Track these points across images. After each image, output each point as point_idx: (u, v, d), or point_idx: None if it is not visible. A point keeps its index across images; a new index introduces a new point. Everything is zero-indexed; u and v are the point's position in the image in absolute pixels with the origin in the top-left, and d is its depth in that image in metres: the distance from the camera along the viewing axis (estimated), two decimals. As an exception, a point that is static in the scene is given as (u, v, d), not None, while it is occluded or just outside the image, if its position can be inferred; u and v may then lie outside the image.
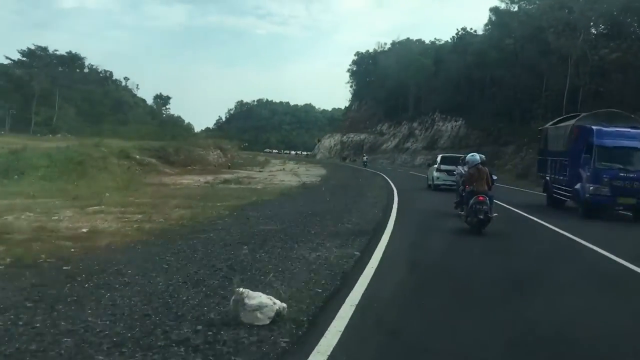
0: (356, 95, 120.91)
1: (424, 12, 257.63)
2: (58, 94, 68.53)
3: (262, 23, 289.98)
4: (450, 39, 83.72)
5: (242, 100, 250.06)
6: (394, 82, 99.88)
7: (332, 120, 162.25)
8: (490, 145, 63.87)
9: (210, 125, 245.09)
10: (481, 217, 11.66)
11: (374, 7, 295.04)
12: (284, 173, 39.58)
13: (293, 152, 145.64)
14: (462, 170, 14.69)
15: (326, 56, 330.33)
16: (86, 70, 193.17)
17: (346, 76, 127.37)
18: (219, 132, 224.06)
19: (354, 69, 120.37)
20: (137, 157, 33.03)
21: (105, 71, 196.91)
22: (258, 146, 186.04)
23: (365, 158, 72.78)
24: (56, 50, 71.38)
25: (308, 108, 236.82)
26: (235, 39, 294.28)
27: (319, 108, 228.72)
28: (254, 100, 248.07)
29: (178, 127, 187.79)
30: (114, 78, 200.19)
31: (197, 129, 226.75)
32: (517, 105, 60.50)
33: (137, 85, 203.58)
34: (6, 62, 70.30)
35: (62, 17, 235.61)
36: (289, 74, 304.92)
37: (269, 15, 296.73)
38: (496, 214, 12.40)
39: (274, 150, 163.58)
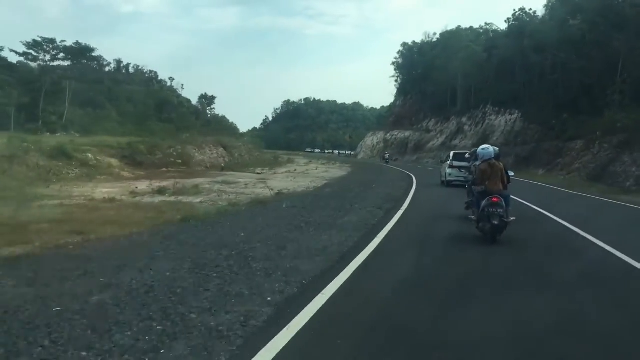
0: (401, 90, 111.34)
1: (477, 5, 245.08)
2: (68, 90, 62.14)
3: (312, 23, 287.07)
4: (505, 20, 73.01)
5: (289, 100, 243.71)
6: (441, 74, 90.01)
7: (380, 119, 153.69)
8: (552, 140, 53.84)
9: (258, 125, 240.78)
10: (495, 222, 9.63)
11: (425, 5, 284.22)
12: (289, 176, 31.68)
13: (336, 152, 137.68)
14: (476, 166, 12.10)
15: (376, 55, 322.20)
16: (132, 71, 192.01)
17: (392, 70, 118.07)
18: (263, 132, 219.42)
19: (400, 61, 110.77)
20: (90, 156, 25.47)
21: (150, 71, 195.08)
22: (304, 146, 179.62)
23: (387, 155, 66.79)
24: (64, 41, 64.22)
25: (356, 107, 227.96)
26: (285, 39, 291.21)
27: (367, 106, 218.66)
28: (300, 99, 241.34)
29: (222, 127, 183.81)
30: (159, 79, 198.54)
31: (244, 129, 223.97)
32: (586, 93, 50.07)
33: (182, 85, 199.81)
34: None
35: (119, 22, 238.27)
36: (337, 73, 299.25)
37: (320, 16, 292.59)
38: (514, 218, 10.14)
39: (316, 150, 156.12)
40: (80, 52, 65.60)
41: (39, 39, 60.95)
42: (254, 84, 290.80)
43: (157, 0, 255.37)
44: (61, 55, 62.54)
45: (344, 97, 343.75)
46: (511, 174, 11.37)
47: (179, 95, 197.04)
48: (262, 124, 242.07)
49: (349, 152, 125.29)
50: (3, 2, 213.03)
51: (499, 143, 64.91)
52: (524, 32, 67.53)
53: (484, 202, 10.01)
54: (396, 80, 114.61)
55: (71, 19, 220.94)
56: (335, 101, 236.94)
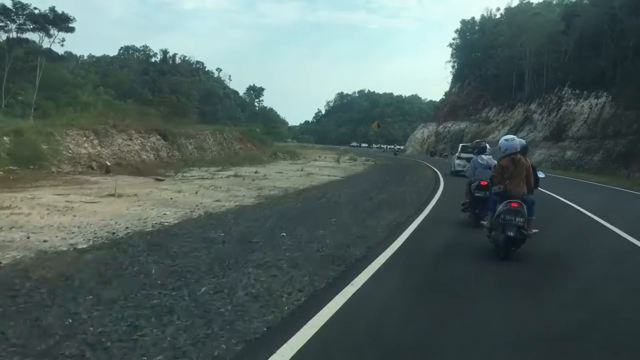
0: (458, 76, 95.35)
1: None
2: (39, 68, 50.54)
3: (373, 17, 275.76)
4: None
5: (342, 92, 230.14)
6: (505, 54, 74.08)
7: (436, 111, 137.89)
8: (659, 131, 38.12)
9: (310, 118, 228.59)
10: (511, 233, 7.35)
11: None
12: (231, 184, 18.17)
13: (385, 146, 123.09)
14: (480, 161, 10.77)
15: (436, 48, 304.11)
16: (178, 61, 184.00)
17: (448, 53, 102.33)
18: (314, 126, 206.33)
19: (458, 42, 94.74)
20: None
21: (197, 62, 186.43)
22: (356, 140, 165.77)
23: (396, 147, 64.81)
24: (36, 8, 52.48)
25: (413, 99, 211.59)
26: (344, 33, 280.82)
27: (425, 99, 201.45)
28: (355, 92, 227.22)
29: (269, 119, 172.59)
30: (206, 69, 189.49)
31: (296, 123, 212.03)
32: None
33: (230, 76, 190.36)
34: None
35: (182, 18, 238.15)
36: (396, 67, 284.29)
37: (381, 9, 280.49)
38: (536, 230, 7.78)
39: (364, 144, 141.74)
40: (54, 22, 53.62)
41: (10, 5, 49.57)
42: (310, 78, 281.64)
43: None
44: (29, 24, 50.35)
45: (401, 90, 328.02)
46: (541, 175, 8.63)
47: (226, 87, 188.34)
48: (314, 117, 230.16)
49: (398, 147, 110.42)
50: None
51: (580, 135, 49.09)
52: (615, -8, 51.25)
53: (500, 207, 7.60)
54: (453, 66, 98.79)
55: (136, 17, 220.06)
56: (391, 93, 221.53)
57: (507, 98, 72.62)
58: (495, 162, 9.06)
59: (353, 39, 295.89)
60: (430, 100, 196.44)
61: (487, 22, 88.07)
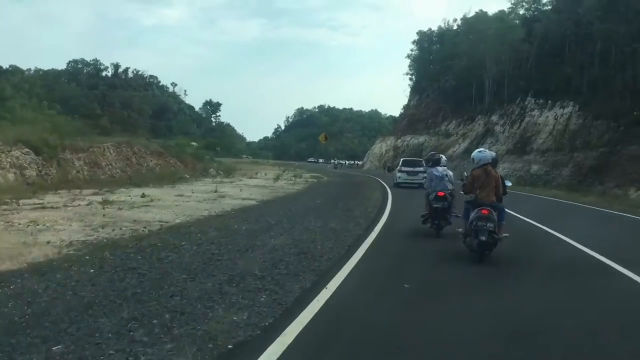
0: (416, 88, 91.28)
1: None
2: None
3: (334, 34, 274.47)
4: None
5: (302, 107, 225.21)
6: (464, 64, 70.11)
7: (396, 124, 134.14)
8: (635, 142, 34.07)
9: (269, 134, 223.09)
10: (483, 238, 8.08)
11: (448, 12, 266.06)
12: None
13: (344, 162, 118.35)
14: (436, 172, 11.14)
15: (397, 65, 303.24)
16: (131, 75, 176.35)
17: (406, 64, 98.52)
18: (274, 141, 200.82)
19: (415, 54, 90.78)
20: None
21: (151, 76, 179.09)
22: (315, 155, 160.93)
23: (336, 161, 63.86)
24: None
25: (373, 114, 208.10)
26: (305, 51, 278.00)
27: (385, 114, 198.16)
28: (314, 107, 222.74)
29: (224, 135, 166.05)
30: (160, 84, 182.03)
31: (256, 139, 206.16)
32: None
33: (185, 91, 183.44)
34: None
35: (143, 35, 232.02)
36: (357, 83, 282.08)
37: (342, 27, 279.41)
38: (507, 234, 8.57)
39: (320, 160, 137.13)
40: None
41: None
42: (271, 94, 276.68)
43: (181, 13, 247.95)
44: None
45: (361, 105, 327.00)
46: (508, 184, 9.33)
47: (181, 102, 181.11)
48: (273, 132, 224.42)
49: (357, 162, 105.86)
50: (29, 18, 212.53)
51: (546, 147, 44.80)
52: (579, -5, 47.72)
53: (472, 214, 8.46)
54: (411, 78, 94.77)
55: (95, 33, 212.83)
56: (351, 109, 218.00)
57: (467, 110, 68.50)
58: (450, 172, 10.99)
59: (314, 56, 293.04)
60: (390, 115, 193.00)
61: (445, 33, 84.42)
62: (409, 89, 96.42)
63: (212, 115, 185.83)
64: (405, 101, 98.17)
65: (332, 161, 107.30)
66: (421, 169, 30.62)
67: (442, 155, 12.14)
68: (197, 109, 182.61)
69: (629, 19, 39.51)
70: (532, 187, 37.59)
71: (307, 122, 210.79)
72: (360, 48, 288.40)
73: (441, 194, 10.66)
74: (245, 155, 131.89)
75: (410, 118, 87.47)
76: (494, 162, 8.95)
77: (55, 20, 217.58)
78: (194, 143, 47.45)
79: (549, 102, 48.19)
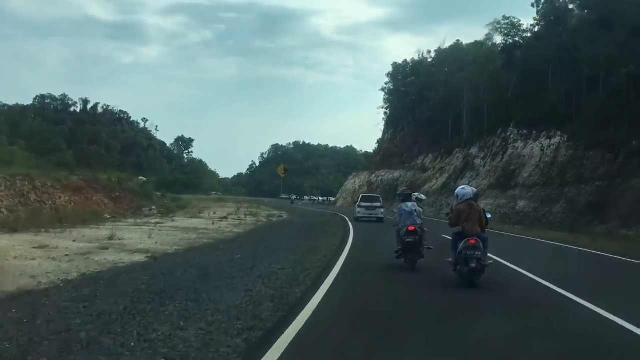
0: (391, 121, 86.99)
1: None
2: None
3: (310, 73, 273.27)
4: (532, 4, 48.84)
5: (277, 144, 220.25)
6: (440, 95, 66.02)
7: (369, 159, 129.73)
8: (635, 174, 29.36)
9: (244, 171, 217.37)
10: (473, 265, 8.93)
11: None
12: None
13: (317, 198, 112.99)
14: (405, 208, 11.22)
15: (372, 102, 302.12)
16: (100, 110, 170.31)
17: (380, 98, 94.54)
18: (248, 178, 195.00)
19: (390, 87, 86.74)
20: None
21: (121, 112, 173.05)
22: (291, 192, 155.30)
23: (293, 197, 63.48)
24: None
25: (349, 150, 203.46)
26: (282, 89, 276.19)
27: (361, 150, 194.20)
28: (289, 143, 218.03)
29: (195, 171, 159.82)
30: (130, 119, 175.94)
31: (230, 175, 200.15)
32: None
33: (157, 126, 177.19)
34: None
35: (119, 72, 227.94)
36: (332, 121, 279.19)
37: (318, 65, 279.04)
38: (491, 262, 9.57)
39: (294, 196, 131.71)
40: None
41: None
42: (246, 131, 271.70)
43: (158, 51, 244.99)
44: None
45: (337, 142, 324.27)
46: (489, 216, 10.06)
47: (152, 137, 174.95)
48: (248, 169, 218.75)
49: (329, 199, 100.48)
50: (4, 54, 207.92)
51: (532, 182, 39.97)
52: (562, 16, 43.88)
53: (461, 245, 9.20)
54: (385, 112, 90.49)
55: (71, 71, 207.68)
56: (326, 145, 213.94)
57: (444, 143, 64.04)
58: (419, 208, 11.43)
59: (290, 93, 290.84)
60: (366, 152, 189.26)
61: (420, 64, 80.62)
62: (383, 123, 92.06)
63: (185, 152, 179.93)
64: (379, 135, 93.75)
65: (291, 197, 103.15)
66: (379, 204, 32.79)
67: (414, 192, 12.64)
68: (168, 144, 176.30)
69: (621, 40, 35.34)
70: (521, 227, 32.48)
71: (282, 159, 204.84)
72: (336, 86, 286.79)
73: (412, 228, 10.84)
74: (214, 192, 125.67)
75: (384, 152, 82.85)
76: (476, 197, 10.02)
77: (30, 59, 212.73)
78: (142, 178, 41.56)
79: (534, 132, 43.67)
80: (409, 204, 11.36)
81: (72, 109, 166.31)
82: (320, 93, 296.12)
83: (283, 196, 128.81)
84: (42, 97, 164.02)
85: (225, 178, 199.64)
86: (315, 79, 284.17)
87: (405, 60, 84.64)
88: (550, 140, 41.18)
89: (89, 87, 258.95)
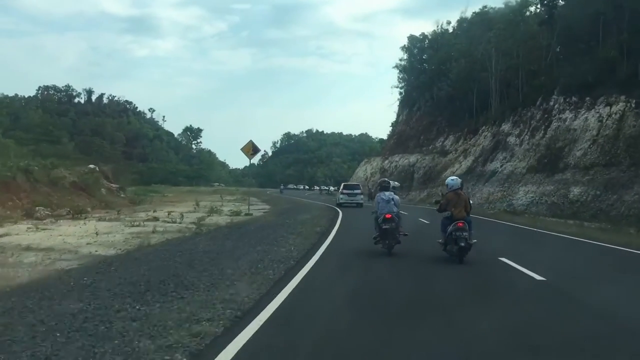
0: (406, 101, 77.18)
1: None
2: None
3: (324, 62, 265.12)
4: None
5: (289, 132, 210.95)
6: (463, 67, 56.30)
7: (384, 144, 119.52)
8: None
9: (256, 161, 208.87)
10: (462, 244, 10.17)
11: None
12: None
13: (332, 188, 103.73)
14: (383, 197, 11.65)
15: (387, 90, 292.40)
16: (105, 100, 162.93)
17: (394, 76, 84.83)
18: (260, 169, 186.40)
19: (405, 63, 76.82)
20: None
21: (127, 102, 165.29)
22: (304, 181, 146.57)
23: (282, 187, 73.06)
24: None
25: (363, 138, 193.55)
26: (295, 78, 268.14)
27: (376, 138, 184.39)
28: (302, 132, 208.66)
29: (201, 162, 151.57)
30: (137, 110, 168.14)
31: (241, 166, 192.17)
32: None
33: (164, 117, 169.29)
34: None
35: (135, 66, 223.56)
36: (346, 108, 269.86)
37: (332, 55, 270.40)
38: (475, 240, 10.61)
39: (305, 186, 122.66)
40: None
41: None
42: (260, 121, 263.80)
43: (172, 44, 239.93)
44: None
45: (351, 129, 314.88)
46: (471, 202, 11.41)
47: (159, 128, 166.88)
48: (260, 159, 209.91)
49: (337, 189, 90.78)
50: (20, 49, 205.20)
51: (589, 161, 30.32)
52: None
53: (450, 227, 10.40)
54: (400, 91, 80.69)
55: (87, 65, 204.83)
56: (340, 133, 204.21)
57: (467, 122, 54.35)
58: (396, 197, 11.78)
59: (304, 83, 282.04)
60: (381, 139, 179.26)
61: (439, 37, 70.62)
62: (397, 104, 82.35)
63: (193, 142, 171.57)
64: (393, 118, 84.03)
65: (280, 186, 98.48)
66: (358, 191, 37.78)
67: (391, 182, 12.93)
68: (176, 135, 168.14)
69: None
70: (579, 222, 23.22)
71: (295, 148, 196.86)
72: (350, 75, 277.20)
73: (389, 215, 11.23)
74: (217, 184, 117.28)
75: (399, 135, 73.28)
76: (462, 186, 11.30)
77: (47, 53, 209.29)
78: (92, 166, 32.81)
79: (587, 99, 33.82)
80: (387, 193, 11.75)
81: (76, 100, 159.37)
82: (334, 82, 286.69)
83: (290, 186, 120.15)
84: (46, 87, 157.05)
85: (235, 169, 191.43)
86: (329, 68, 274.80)
87: (423, 33, 74.70)
88: (611, 107, 31.37)
89: (104, 81, 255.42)
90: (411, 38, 75.33)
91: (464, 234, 10.09)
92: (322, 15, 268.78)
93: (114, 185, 32.58)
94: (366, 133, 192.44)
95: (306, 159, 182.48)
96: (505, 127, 43.25)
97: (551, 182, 32.23)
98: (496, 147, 42.99)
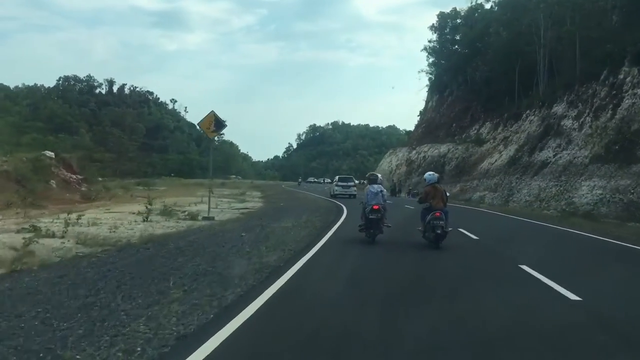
0: (436, 87, 69.13)
1: None
2: None
3: (352, 55, 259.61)
4: None
5: (314, 124, 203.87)
6: (504, 41, 48.32)
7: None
8: None
9: (280, 153, 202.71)
10: (438, 231, 11.27)
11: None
12: None
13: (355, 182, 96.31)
14: (372, 189, 12.34)
15: (416, 82, 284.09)
16: (127, 91, 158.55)
17: (422, 60, 76.77)
18: (284, 161, 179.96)
19: (434, 44, 68.77)
20: None
21: (148, 92, 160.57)
22: (328, 175, 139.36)
23: (300, 180, 64.87)
24: None
25: (391, 130, 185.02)
26: (322, 71, 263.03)
27: (404, 130, 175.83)
28: (327, 124, 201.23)
29: (223, 153, 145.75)
30: (159, 101, 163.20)
31: (264, 158, 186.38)
32: None
33: (186, 108, 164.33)
34: None
35: (165, 59, 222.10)
36: (374, 101, 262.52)
37: (360, 48, 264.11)
38: (451, 229, 11.89)
39: (325, 180, 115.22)
40: None
41: None
42: (286, 114, 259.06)
43: (201, 38, 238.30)
44: None
45: (378, 121, 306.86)
46: (447, 194, 12.44)
47: (180, 119, 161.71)
48: (284, 151, 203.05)
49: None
50: (54, 43, 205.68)
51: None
52: None
53: (429, 217, 11.42)
54: (429, 77, 72.64)
55: (119, 59, 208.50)
56: (367, 125, 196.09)
57: (508, 106, 46.50)
58: (384, 189, 12.74)
59: (332, 76, 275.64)
60: (410, 131, 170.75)
61: (476, 11, 62.34)
62: (425, 90, 74.39)
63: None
64: (422, 106, 76.05)
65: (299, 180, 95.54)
66: (352, 184, 41.28)
67: (379, 175, 13.63)
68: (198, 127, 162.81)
69: None
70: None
71: (320, 140, 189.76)
72: (379, 68, 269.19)
73: (376, 207, 11.77)
74: (234, 176, 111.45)
75: (428, 124, 65.52)
76: (438, 181, 12.50)
77: (81, 49, 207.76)
78: (49, 153, 26.41)
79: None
80: (375, 186, 12.34)
81: (97, 90, 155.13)
82: (363, 75, 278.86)
83: (311, 179, 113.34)
84: (67, 78, 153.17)
85: (258, 161, 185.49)
86: (358, 62, 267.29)
87: (455, 9, 66.54)
88: None
89: (132, 75, 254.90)
90: (441, 16, 67.23)
91: (441, 222, 11.19)
92: (351, 8, 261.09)
93: (74, 176, 26.10)
94: (394, 125, 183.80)
95: (331, 152, 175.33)
96: (558, 108, 35.31)
97: (626, 176, 24.42)
98: (546, 133, 35.11)
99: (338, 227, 14.66)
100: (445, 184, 48.71)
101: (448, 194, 12.55)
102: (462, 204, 36.75)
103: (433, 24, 67.20)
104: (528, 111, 41.29)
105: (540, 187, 30.83)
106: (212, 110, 17.07)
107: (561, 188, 28.68)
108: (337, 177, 44.03)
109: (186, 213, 16.76)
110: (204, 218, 15.88)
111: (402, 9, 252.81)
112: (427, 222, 11.34)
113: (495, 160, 41.41)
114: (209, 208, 17.16)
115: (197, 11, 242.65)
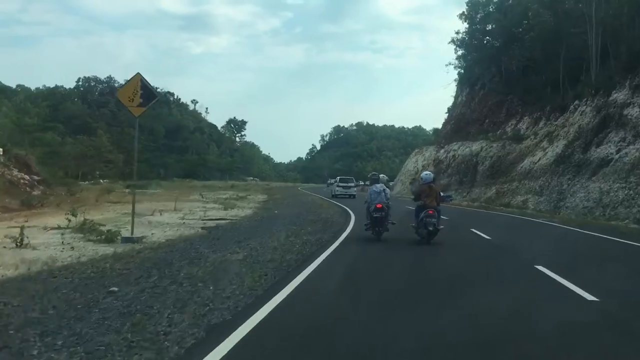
0: (466, 80, 63.13)
1: None
2: None
3: (377, 56, 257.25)
4: None
5: (339, 125, 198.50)
6: (546, 25, 42.39)
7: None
8: None
9: (304, 155, 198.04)
10: (430, 228, 11.87)
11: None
12: None
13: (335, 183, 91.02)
14: (375, 189, 12.98)
15: (442, 83, 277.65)
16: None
17: (450, 53, 70.93)
18: (308, 163, 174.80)
19: (463, 35, 62.87)
20: None
21: (169, 92, 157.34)
22: (352, 176, 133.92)
23: (333, 181, 53.02)
24: None
25: (417, 131, 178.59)
26: (347, 73, 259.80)
27: (431, 130, 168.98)
28: (352, 124, 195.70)
29: (243, 155, 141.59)
30: (180, 101, 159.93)
31: (287, 160, 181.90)
32: None
33: (207, 108, 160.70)
34: None
35: (192, 63, 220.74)
36: (399, 102, 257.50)
37: (384, 49, 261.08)
38: (442, 226, 12.37)
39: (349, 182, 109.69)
40: None
41: None
42: (310, 116, 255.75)
43: (227, 41, 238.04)
44: None
45: (404, 122, 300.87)
46: (442, 194, 13.51)
47: (202, 120, 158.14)
48: (308, 153, 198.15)
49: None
50: (84, 48, 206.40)
51: None
52: None
53: (422, 214, 12.15)
54: (459, 71, 66.68)
55: (147, 62, 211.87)
56: (392, 125, 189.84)
57: (550, 97, 40.58)
58: (387, 188, 13.16)
59: (356, 78, 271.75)
60: (437, 128, 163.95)
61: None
62: (454, 84, 68.45)
63: (237, 135, 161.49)
64: (450, 101, 70.09)
65: (329, 181, 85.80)
66: (352, 184, 44.39)
67: (382, 175, 14.31)
68: (220, 128, 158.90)
69: None
70: None
71: (344, 141, 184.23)
72: (403, 69, 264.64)
73: (379, 205, 12.35)
74: (252, 178, 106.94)
75: (457, 120, 59.60)
76: (434, 180, 13.16)
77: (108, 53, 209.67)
78: None
79: None
80: (378, 185, 12.95)
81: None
82: (387, 76, 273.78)
83: (331, 181, 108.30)
84: (87, 79, 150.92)
85: (280, 163, 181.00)
86: (383, 63, 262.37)
87: (487, -4, 60.43)
88: None
89: (159, 78, 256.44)
90: (471, 3, 61.22)
91: (433, 220, 11.89)
92: (376, 9, 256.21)
93: (27, 177, 21.41)
94: (420, 126, 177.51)
95: (355, 153, 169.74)
96: (618, 95, 29.37)
97: None
98: (605, 125, 29.20)
99: (325, 260, 9.28)
100: (479, 186, 43.10)
101: (442, 194, 13.61)
102: (501, 210, 31.08)
103: (463, 12, 61.19)
104: (577, 101, 35.35)
105: (602, 190, 25.02)
106: (138, 73, 12.02)
107: (631, 191, 22.87)
108: (337, 178, 46.96)
109: (107, 231, 11.60)
110: (125, 239, 10.84)
111: (426, 9, 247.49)
112: (421, 219, 12.18)
113: (539, 159, 35.58)
114: (132, 225, 11.75)
115: (223, 14, 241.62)
